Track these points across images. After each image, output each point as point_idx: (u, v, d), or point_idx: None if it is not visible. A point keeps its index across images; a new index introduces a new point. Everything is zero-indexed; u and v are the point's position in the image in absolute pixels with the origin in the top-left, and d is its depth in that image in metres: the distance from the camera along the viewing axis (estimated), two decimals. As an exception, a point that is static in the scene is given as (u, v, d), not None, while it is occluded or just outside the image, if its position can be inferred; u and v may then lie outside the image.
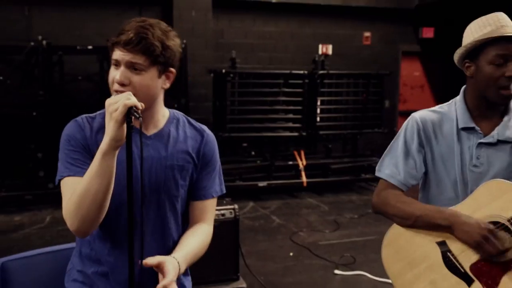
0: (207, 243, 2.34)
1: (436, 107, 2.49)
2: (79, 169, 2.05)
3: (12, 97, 8.60)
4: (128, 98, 1.86)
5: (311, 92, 10.28)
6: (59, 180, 2.09)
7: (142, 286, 2.03)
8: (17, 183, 8.75)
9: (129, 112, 1.84)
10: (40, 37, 8.69)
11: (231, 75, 9.73)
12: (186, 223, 2.37)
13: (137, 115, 1.85)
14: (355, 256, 6.64)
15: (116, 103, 1.84)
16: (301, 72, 10.21)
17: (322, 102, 10.44)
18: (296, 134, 10.25)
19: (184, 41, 9.68)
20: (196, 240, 2.26)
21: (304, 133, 10.28)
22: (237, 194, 9.39)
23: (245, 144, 10.48)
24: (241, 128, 9.91)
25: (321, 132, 10.51)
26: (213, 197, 2.37)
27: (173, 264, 2.01)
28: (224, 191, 2.44)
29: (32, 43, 8.67)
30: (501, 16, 2.28)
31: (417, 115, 2.47)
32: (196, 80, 10.58)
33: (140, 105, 1.89)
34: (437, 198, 2.42)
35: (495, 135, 2.31)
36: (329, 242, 7.38)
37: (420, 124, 2.42)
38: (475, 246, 2.20)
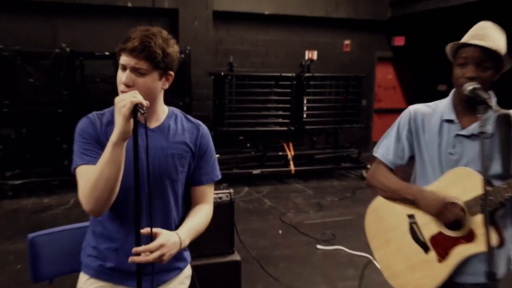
0: (209, 219, 2.36)
1: (432, 103, 2.50)
2: (92, 158, 2.07)
3: (41, 96, 8.61)
4: (134, 96, 1.88)
5: (298, 92, 10.28)
6: (74, 169, 2.10)
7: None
8: (46, 170, 8.78)
9: (135, 108, 1.87)
10: (64, 45, 8.68)
11: (229, 77, 9.73)
12: (185, 205, 2.37)
13: (142, 111, 1.87)
14: (335, 233, 6.72)
15: (124, 100, 1.86)
16: (290, 74, 10.21)
17: (308, 101, 10.43)
18: (285, 128, 10.24)
19: (188, 47, 9.69)
20: (198, 217, 2.28)
21: (292, 128, 10.29)
22: (234, 180, 9.43)
23: (241, 137, 10.42)
24: (238, 123, 9.90)
25: (307, 127, 10.51)
26: (212, 181, 2.38)
27: (171, 238, 2.04)
28: (220, 176, 2.44)
29: (57, 50, 8.65)
30: (484, 25, 2.26)
31: (412, 107, 2.50)
32: (198, 82, 10.59)
33: (145, 103, 1.90)
34: (422, 178, 2.45)
35: (470, 129, 2.29)
36: (313, 221, 7.43)
37: (412, 115, 2.46)
38: (435, 215, 2.27)
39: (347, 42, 12.94)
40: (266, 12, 11.45)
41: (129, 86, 2.03)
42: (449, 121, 2.37)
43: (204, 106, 10.70)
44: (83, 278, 2.29)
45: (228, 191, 4.21)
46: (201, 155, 2.33)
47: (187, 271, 2.50)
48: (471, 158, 2.29)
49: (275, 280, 5.20)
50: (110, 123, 2.13)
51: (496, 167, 2.27)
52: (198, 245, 4.17)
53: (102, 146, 2.07)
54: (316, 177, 10.56)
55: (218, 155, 9.88)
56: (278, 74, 10.23)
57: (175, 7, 10.58)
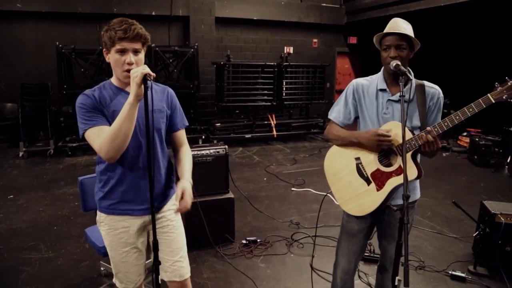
0: (191, 155, 2.38)
1: (368, 77, 2.50)
2: (97, 122, 2.04)
3: (89, 82, 8.52)
4: (144, 69, 1.90)
5: (279, 77, 10.20)
6: (83, 133, 2.05)
7: (145, 189, 2.16)
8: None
9: (145, 77, 1.88)
10: (105, 43, 8.63)
11: (227, 66, 9.59)
12: (165, 148, 2.34)
13: (149, 79, 1.89)
14: (305, 179, 6.77)
15: (136, 72, 1.89)
16: (273, 63, 10.10)
17: (286, 83, 10.32)
18: (269, 103, 10.18)
19: (197, 44, 9.64)
20: (187, 161, 2.30)
21: (274, 103, 10.23)
22: (231, 142, 9.50)
23: (237, 111, 10.42)
24: (234, 100, 9.81)
25: (285, 102, 10.44)
26: (182, 128, 2.37)
27: (188, 185, 2.12)
28: (187, 123, 2.42)
29: (100, 47, 8.57)
30: (396, 20, 2.32)
31: (355, 81, 2.49)
32: (204, 69, 10.56)
33: (153, 74, 1.93)
34: None
35: (397, 95, 2.32)
36: (289, 171, 7.47)
37: (355, 86, 2.46)
38: (376, 146, 2.29)
39: (315, 40, 12.83)
40: (255, 18, 11.37)
41: (131, 64, 2.04)
42: (382, 90, 2.39)
43: (209, 87, 10.69)
44: (100, 215, 2.29)
45: (224, 147, 4.21)
46: (172, 109, 2.32)
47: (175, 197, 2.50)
48: (397, 116, 2.35)
49: (260, 213, 5.24)
50: (101, 96, 2.11)
51: (416, 122, 2.33)
52: (202, 186, 4.21)
53: (100, 112, 2.08)
54: (292, 139, 10.59)
55: (219, 124, 9.83)
56: (264, 63, 10.11)
57: (187, 15, 10.47)
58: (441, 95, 2.36)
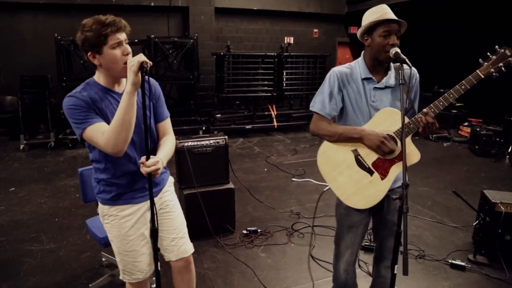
0: (174, 144, 2.36)
1: (346, 64, 2.44)
2: (95, 119, 2.00)
3: (89, 74, 8.44)
4: (140, 57, 1.89)
5: (279, 67, 10.19)
6: (82, 132, 1.99)
7: (143, 177, 2.09)
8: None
9: (142, 65, 1.88)
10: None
11: (227, 56, 9.58)
12: (156, 138, 2.35)
13: (146, 66, 1.89)
14: (305, 170, 6.78)
15: (133, 61, 1.89)
16: (273, 54, 10.08)
17: (287, 74, 10.33)
18: (269, 94, 10.18)
19: (196, 35, 9.59)
20: (168, 146, 2.28)
21: (275, 94, 10.23)
22: (232, 133, 9.50)
23: (237, 102, 10.44)
24: (234, 90, 9.81)
25: (286, 93, 10.45)
26: (167, 117, 2.36)
27: (156, 159, 2.04)
28: (169, 114, 2.41)
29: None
30: (384, 6, 2.29)
31: (336, 69, 2.41)
32: (204, 60, 10.56)
33: (150, 62, 1.92)
34: (353, 122, 2.40)
35: (383, 82, 2.32)
36: (290, 162, 7.47)
37: (338, 75, 2.38)
38: (376, 148, 2.26)
39: (315, 30, 12.79)
40: (255, 8, 11.36)
41: (129, 53, 2.04)
42: (368, 79, 2.36)
43: (209, 78, 10.68)
44: (102, 208, 2.26)
45: (223, 137, 4.21)
46: (156, 101, 2.30)
47: (171, 180, 2.52)
48: (386, 103, 2.34)
49: (260, 203, 5.26)
50: (90, 95, 2.05)
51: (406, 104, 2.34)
52: (202, 177, 4.22)
53: (94, 110, 2.02)
54: (293, 130, 10.58)
55: (219, 115, 9.83)
56: (264, 53, 10.09)
57: (186, 5, 10.45)
58: (417, 74, 2.39)
